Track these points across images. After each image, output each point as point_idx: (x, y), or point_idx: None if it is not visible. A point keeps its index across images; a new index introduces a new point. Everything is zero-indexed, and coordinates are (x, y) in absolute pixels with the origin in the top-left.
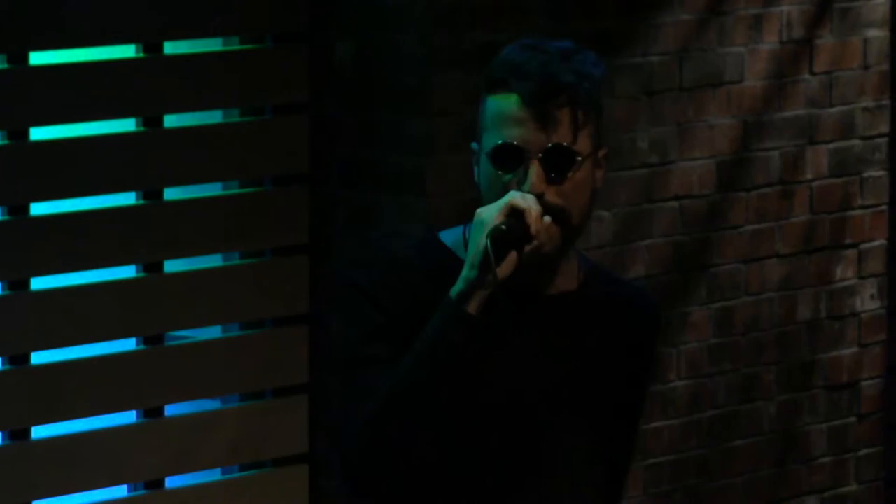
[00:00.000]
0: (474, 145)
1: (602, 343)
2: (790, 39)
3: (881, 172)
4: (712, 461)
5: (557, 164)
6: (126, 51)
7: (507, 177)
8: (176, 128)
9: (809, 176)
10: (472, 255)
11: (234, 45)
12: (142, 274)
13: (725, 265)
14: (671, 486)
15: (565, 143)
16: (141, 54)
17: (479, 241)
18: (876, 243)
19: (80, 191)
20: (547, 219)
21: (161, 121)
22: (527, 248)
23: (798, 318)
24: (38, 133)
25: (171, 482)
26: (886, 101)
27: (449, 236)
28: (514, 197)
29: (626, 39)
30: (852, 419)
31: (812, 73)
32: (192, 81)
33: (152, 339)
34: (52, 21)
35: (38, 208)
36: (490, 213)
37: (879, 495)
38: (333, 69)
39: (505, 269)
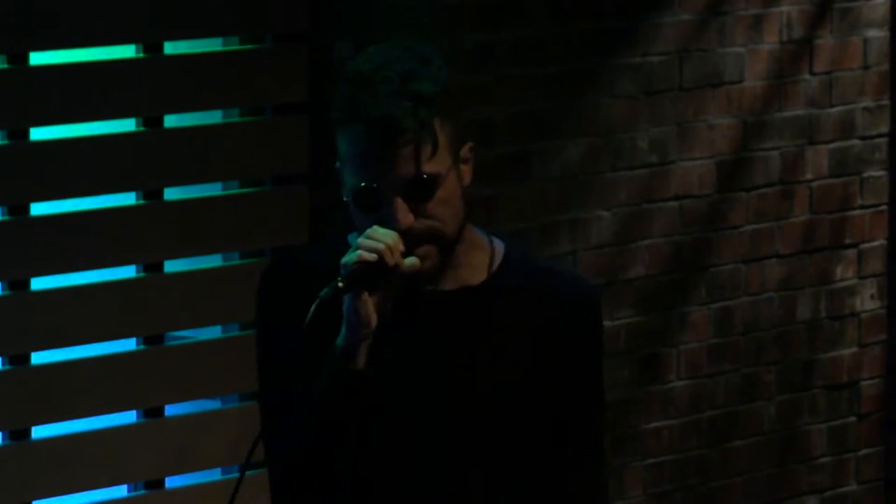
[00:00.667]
0: (338, 165)
1: (512, 339)
2: (790, 39)
3: (881, 172)
4: (712, 461)
5: (418, 193)
6: (126, 51)
7: (370, 216)
8: (176, 128)
9: (809, 176)
10: (345, 313)
11: (234, 45)
12: (142, 274)
13: (725, 265)
14: (671, 486)
15: (423, 174)
16: (141, 54)
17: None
18: (876, 243)
19: (80, 191)
20: (412, 260)
21: (161, 121)
22: (395, 279)
23: (798, 318)
24: (38, 133)
25: (171, 482)
26: (886, 102)
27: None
28: (364, 245)
29: (626, 39)
30: (852, 419)
31: (812, 73)
32: (191, 81)
33: (152, 339)
34: (52, 21)
35: (38, 208)
36: (348, 260)
37: (879, 495)
38: (333, 69)
39: (372, 318)
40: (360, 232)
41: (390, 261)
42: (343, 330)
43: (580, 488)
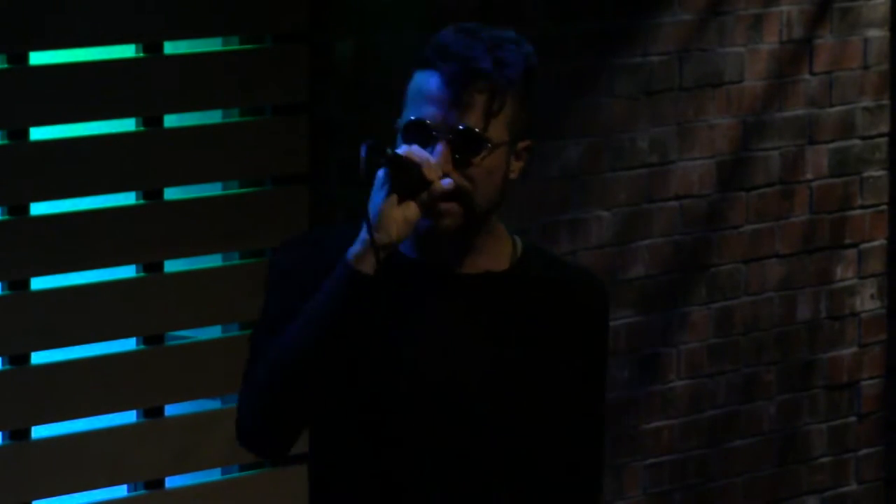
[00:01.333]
0: (399, 122)
1: (534, 326)
2: (790, 39)
3: (881, 172)
4: (712, 461)
5: (466, 147)
6: (126, 51)
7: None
8: (176, 127)
9: (809, 176)
10: (369, 210)
11: (234, 46)
12: (142, 274)
13: (725, 265)
14: (671, 485)
15: (476, 129)
16: (141, 54)
17: (377, 194)
18: (876, 243)
19: (80, 190)
20: (448, 181)
21: (161, 121)
22: (424, 195)
23: (798, 318)
24: (38, 133)
25: (171, 482)
26: (886, 101)
27: None
28: (411, 150)
29: (626, 39)
30: (852, 419)
31: (812, 73)
32: (192, 81)
33: (152, 339)
34: (53, 21)
35: (38, 208)
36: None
37: (879, 495)
38: (333, 69)
39: (392, 227)
40: None
41: (429, 174)
42: (361, 235)
43: (588, 468)
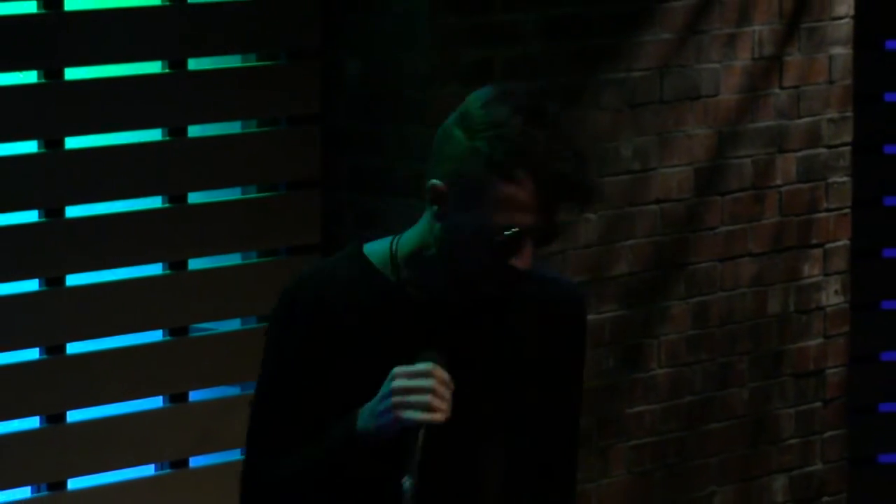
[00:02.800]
0: (439, 182)
1: (517, 342)
2: (761, 56)
3: (845, 178)
4: (690, 443)
5: (542, 239)
6: (153, 67)
7: (499, 251)
8: (198, 137)
9: (779, 182)
10: (380, 422)
11: (252, 62)
12: (168, 271)
13: (702, 263)
14: (652, 465)
15: (555, 224)
16: (167, 70)
17: (390, 419)
18: (840, 243)
19: (111, 195)
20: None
21: (185, 131)
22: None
23: (769, 311)
24: (72, 142)
25: (195, 462)
26: (849, 113)
27: (374, 253)
28: (432, 411)
29: (612, 56)
30: (818, 404)
31: (781, 88)
32: (213, 95)
33: (177, 331)
34: (86, 39)
35: (72, 211)
36: (406, 413)
37: (843, 474)
38: (343, 84)
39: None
40: (462, 254)
41: (441, 420)
42: (370, 427)
43: (568, 458)
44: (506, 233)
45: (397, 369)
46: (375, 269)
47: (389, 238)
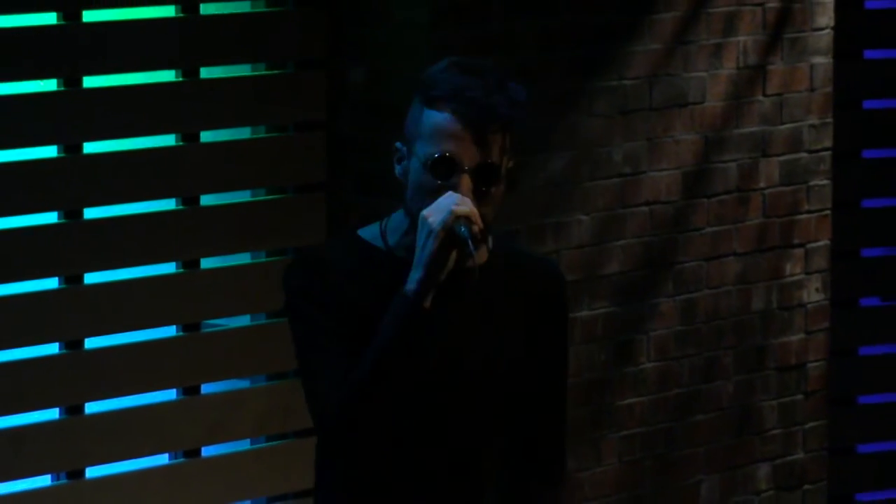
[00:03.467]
0: (399, 145)
1: (510, 307)
2: (746, 65)
3: (825, 181)
4: (678, 433)
5: (484, 178)
6: (167, 75)
7: (436, 183)
8: (210, 143)
9: (762, 184)
10: (423, 257)
11: (261, 71)
12: (181, 270)
13: (689, 262)
14: (642, 454)
15: (494, 162)
16: (180, 78)
17: (433, 241)
18: (820, 243)
19: (126, 197)
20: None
21: (198, 136)
22: (473, 245)
23: (752, 308)
24: (90, 147)
25: (207, 451)
26: (830, 120)
27: (366, 232)
28: (457, 204)
29: (604, 65)
30: (799, 396)
31: (765, 95)
32: (224, 102)
33: (190, 327)
34: (103, 49)
35: (90, 213)
36: (438, 218)
37: (823, 462)
38: (347, 92)
39: (446, 266)
40: (409, 197)
41: (478, 222)
42: (419, 274)
43: (559, 420)
44: (435, 156)
45: (423, 210)
46: (367, 242)
47: (379, 221)
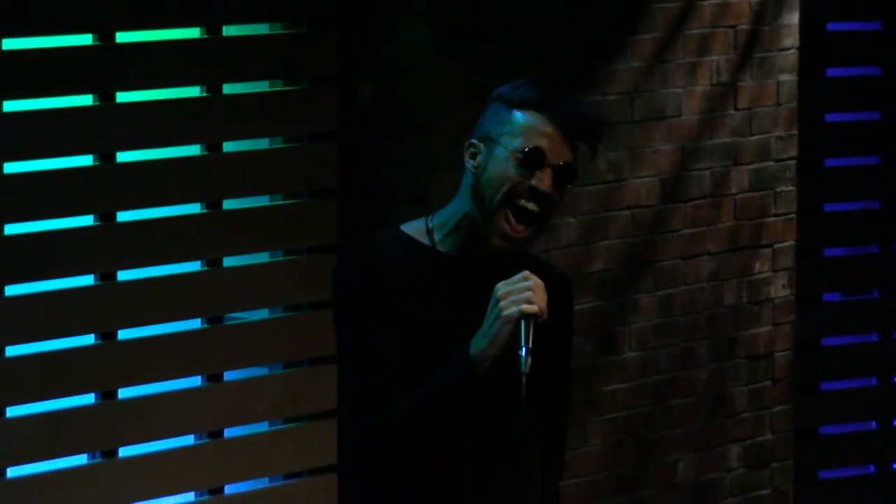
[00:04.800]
0: (475, 141)
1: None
2: (719, 82)
3: (791, 188)
4: (656, 416)
5: (564, 176)
6: (193, 91)
7: (523, 173)
8: (232, 152)
9: (734, 190)
10: (492, 332)
11: (278, 87)
12: (205, 268)
13: (667, 261)
14: (624, 436)
15: (574, 164)
16: (205, 94)
17: (500, 325)
18: (786, 244)
19: (156, 202)
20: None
21: (220, 147)
22: (526, 351)
23: (725, 302)
24: (123, 156)
25: (229, 433)
26: (795, 132)
27: (410, 228)
28: (529, 303)
29: (590, 81)
30: (767, 383)
31: (736, 109)
32: (244, 116)
33: (214, 320)
34: (134, 67)
35: (123, 216)
36: (512, 309)
37: (789, 443)
38: (356, 106)
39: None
40: (482, 186)
41: (543, 314)
42: (484, 346)
43: (565, 409)
44: (526, 149)
45: (499, 284)
46: (412, 238)
47: (423, 217)
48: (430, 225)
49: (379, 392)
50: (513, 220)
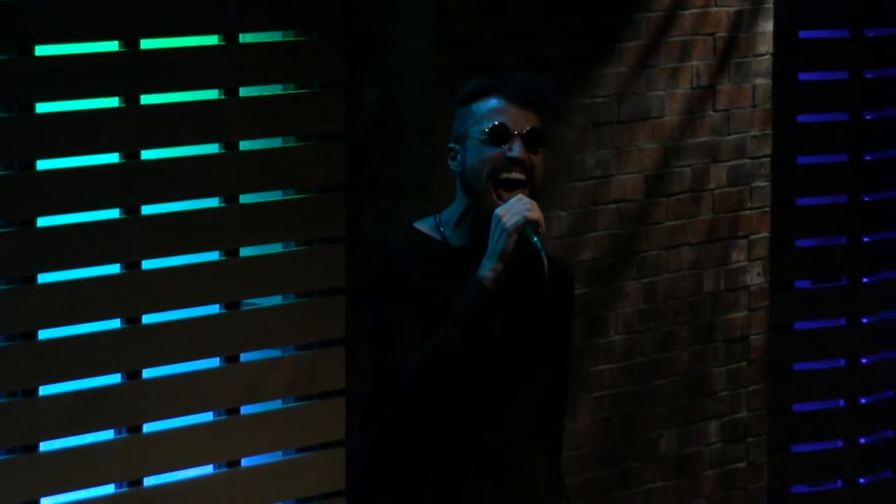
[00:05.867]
0: (452, 145)
1: (536, 299)
2: (699, 86)
3: (765, 183)
4: (641, 395)
5: (533, 141)
6: (211, 94)
7: (496, 150)
8: (248, 150)
9: (712, 186)
10: (497, 250)
11: (291, 90)
12: (223, 257)
13: (651, 251)
14: (611, 413)
15: (539, 128)
16: (223, 97)
17: (506, 238)
18: (761, 235)
19: (177, 196)
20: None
21: (237, 145)
22: (543, 251)
23: (704, 289)
24: (146, 154)
25: (245, 409)
26: (769, 131)
27: (422, 225)
28: (530, 210)
29: (579, 85)
30: (744, 364)
31: (715, 111)
32: (259, 117)
33: (231, 305)
34: (157, 72)
35: (147, 209)
36: (513, 220)
37: (763, 419)
38: (363, 108)
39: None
40: (468, 179)
41: (543, 225)
42: (492, 264)
43: (566, 390)
44: (490, 128)
45: (497, 209)
46: (424, 234)
47: (432, 216)
48: (439, 221)
49: (408, 346)
50: (503, 193)
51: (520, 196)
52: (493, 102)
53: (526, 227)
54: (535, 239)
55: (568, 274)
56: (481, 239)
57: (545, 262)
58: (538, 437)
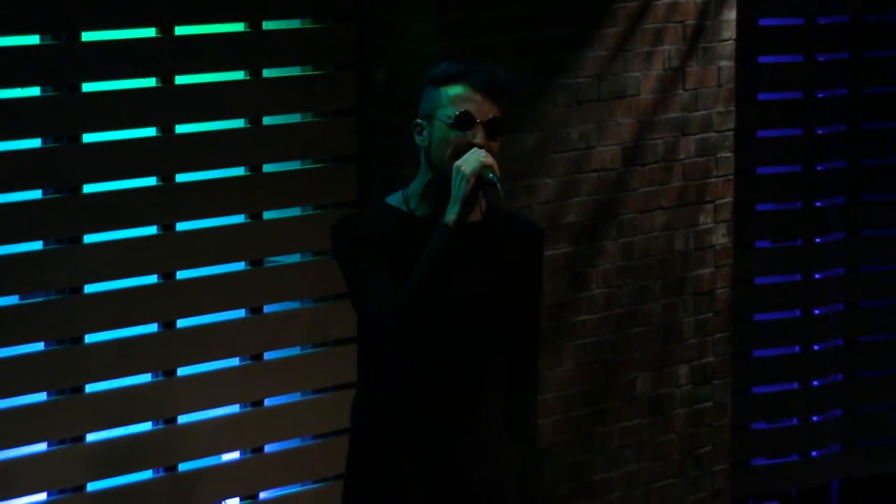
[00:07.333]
0: (419, 121)
1: (503, 255)
2: (670, 67)
3: (729, 154)
4: (619, 342)
5: (493, 129)
6: (238, 75)
7: (460, 135)
8: (270, 125)
9: (682, 156)
10: (459, 195)
11: (308, 71)
12: (249, 220)
13: (628, 214)
14: (592, 358)
15: (500, 118)
16: (248, 77)
17: (464, 185)
18: (726, 200)
19: (208, 165)
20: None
21: (261, 121)
22: (499, 184)
23: (675, 248)
24: (181, 129)
25: (268, 356)
26: (733, 108)
27: (392, 199)
28: (485, 156)
29: (564, 67)
30: (710, 314)
31: (684, 90)
32: (281, 94)
33: (255, 263)
34: (189, 54)
35: (181, 177)
36: (470, 166)
37: (727, 364)
38: (373, 87)
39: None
40: (432, 155)
41: (497, 171)
42: (457, 209)
43: (535, 331)
44: (457, 114)
45: (456, 162)
46: (394, 207)
47: (401, 190)
48: (406, 194)
49: (384, 294)
50: None
51: (475, 148)
52: (460, 89)
53: (483, 171)
54: (491, 175)
55: (536, 230)
56: (443, 209)
57: (500, 189)
58: (501, 386)
